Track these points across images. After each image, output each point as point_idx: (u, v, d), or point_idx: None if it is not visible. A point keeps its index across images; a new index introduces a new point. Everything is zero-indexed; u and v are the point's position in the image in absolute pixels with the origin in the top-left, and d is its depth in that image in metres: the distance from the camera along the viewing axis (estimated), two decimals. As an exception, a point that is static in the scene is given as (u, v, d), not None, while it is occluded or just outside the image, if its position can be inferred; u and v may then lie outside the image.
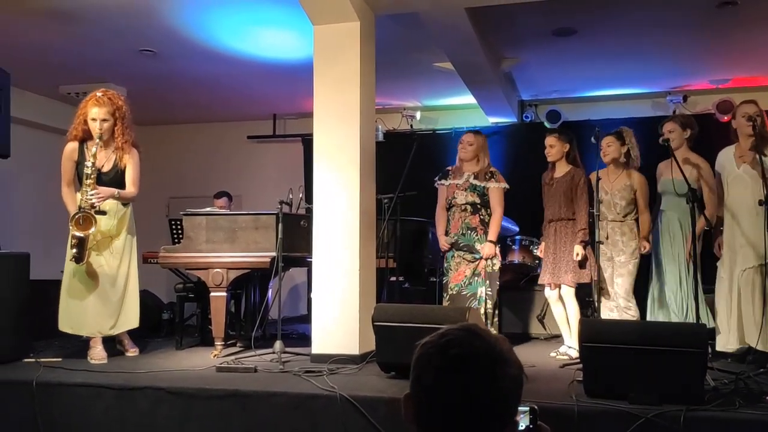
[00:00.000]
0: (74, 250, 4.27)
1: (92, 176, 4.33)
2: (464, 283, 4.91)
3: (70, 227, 4.26)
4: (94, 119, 4.38)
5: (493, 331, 4.79)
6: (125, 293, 4.56)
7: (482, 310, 4.80)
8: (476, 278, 4.89)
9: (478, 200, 4.95)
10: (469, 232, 4.93)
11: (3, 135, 4.82)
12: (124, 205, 4.60)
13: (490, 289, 4.90)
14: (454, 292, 4.93)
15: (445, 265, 5.04)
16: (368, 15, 4.86)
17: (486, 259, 4.88)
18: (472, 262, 4.91)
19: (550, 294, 4.93)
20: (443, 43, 5.73)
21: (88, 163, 4.33)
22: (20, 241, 6.41)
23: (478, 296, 4.87)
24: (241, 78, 7.07)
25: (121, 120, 4.49)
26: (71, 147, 4.49)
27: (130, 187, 4.56)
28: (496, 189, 4.97)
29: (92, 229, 4.24)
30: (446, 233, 5.03)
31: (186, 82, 7.23)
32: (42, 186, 7.42)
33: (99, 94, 4.45)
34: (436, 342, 1.24)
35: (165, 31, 5.77)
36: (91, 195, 4.28)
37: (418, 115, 8.29)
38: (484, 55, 5.93)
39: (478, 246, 4.89)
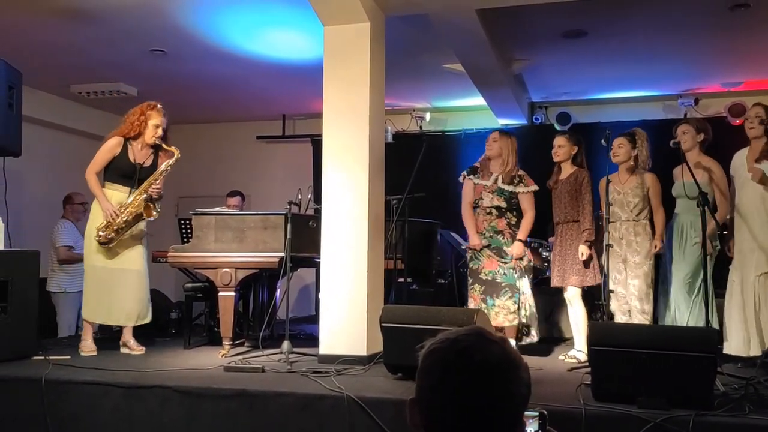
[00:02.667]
0: (107, 233, 4.61)
1: (161, 176, 4.81)
2: (499, 272, 4.77)
3: (141, 209, 4.65)
4: (157, 126, 4.80)
5: (535, 334, 4.76)
6: (146, 287, 4.85)
7: (523, 311, 4.73)
8: (512, 271, 4.76)
9: (504, 204, 4.85)
10: (497, 235, 4.82)
11: (14, 134, 4.85)
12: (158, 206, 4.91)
13: (531, 284, 4.81)
14: (489, 278, 4.77)
15: (472, 260, 4.88)
16: (378, 16, 4.86)
17: (516, 260, 4.77)
18: (503, 264, 4.79)
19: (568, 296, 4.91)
20: (453, 44, 5.72)
21: (170, 163, 4.83)
22: (30, 239, 6.44)
23: (516, 287, 4.72)
24: (251, 78, 7.09)
25: (169, 132, 4.96)
26: (117, 141, 4.78)
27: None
28: (526, 195, 4.87)
29: (155, 214, 4.75)
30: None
31: (196, 82, 7.26)
32: (53, 185, 7.45)
33: (159, 106, 4.89)
34: (450, 348, 1.22)
35: (175, 31, 5.79)
36: (155, 188, 4.76)
37: (427, 116, 8.29)
38: (495, 57, 5.91)
39: (506, 248, 4.80)
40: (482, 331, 1.25)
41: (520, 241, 4.80)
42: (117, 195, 4.73)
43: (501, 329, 4.70)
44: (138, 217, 4.69)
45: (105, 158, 4.75)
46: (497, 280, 4.77)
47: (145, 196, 4.71)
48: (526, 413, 1.28)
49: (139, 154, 4.80)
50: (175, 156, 4.82)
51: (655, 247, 4.68)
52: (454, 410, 1.18)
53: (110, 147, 4.76)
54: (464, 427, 1.18)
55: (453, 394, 1.18)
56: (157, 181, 4.77)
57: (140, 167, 4.78)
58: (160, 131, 4.79)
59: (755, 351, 4.29)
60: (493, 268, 4.79)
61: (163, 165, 4.83)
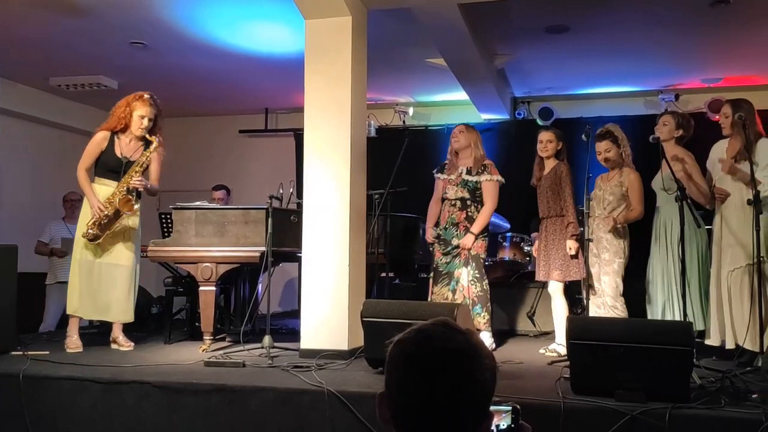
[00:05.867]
0: (94, 230, 4.57)
1: (140, 167, 4.68)
2: (440, 261, 4.96)
3: (117, 204, 4.58)
4: (142, 116, 4.70)
5: (486, 317, 4.78)
6: (131, 285, 4.79)
7: (467, 293, 4.81)
8: (454, 260, 4.89)
9: (468, 196, 4.94)
10: (452, 227, 4.94)
11: (-9, 126, 4.79)
12: (138, 201, 4.82)
13: (477, 272, 4.87)
14: (435, 265, 5.02)
15: (431, 250, 5.14)
16: (360, 9, 4.84)
17: (463, 249, 4.86)
18: (445, 254, 4.94)
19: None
20: (436, 38, 5.71)
21: (147, 153, 4.70)
22: (9, 233, 6.38)
23: (455, 277, 4.87)
24: (233, 72, 7.05)
25: (161, 121, 4.90)
26: (103, 135, 4.73)
27: (155, 183, 4.86)
28: (488, 182, 4.96)
29: (136, 208, 4.66)
30: (437, 226, 5.08)
31: (177, 76, 7.20)
32: (30, 177, 7.38)
33: (146, 96, 4.78)
34: (414, 339, 1.23)
35: (156, 23, 5.74)
36: (137, 181, 4.62)
37: (410, 110, 8.29)
38: (477, 52, 5.92)
39: (454, 242, 4.91)
40: (448, 322, 1.26)
41: (472, 233, 4.87)
42: (106, 190, 4.67)
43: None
44: (118, 212, 4.61)
45: (93, 153, 4.70)
46: (439, 269, 4.95)
47: (123, 189, 4.62)
48: (498, 408, 1.28)
49: (126, 147, 4.73)
50: (153, 145, 4.71)
51: (612, 221, 4.60)
52: (420, 400, 1.19)
53: (97, 141, 4.71)
54: (430, 418, 1.18)
55: (417, 382, 1.19)
56: (135, 173, 4.64)
57: (126, 161, 4.69)
58: (145, 122, 4.69)
59: (729, 344, 4.35)
60: (438, 257, 4.99)
61: (142, 156, 4.71)
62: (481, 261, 4.96)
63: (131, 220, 4.75)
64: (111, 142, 4.71)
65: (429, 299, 4.99)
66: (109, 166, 4.70)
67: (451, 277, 4.89)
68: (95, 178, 4.74)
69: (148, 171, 4.77)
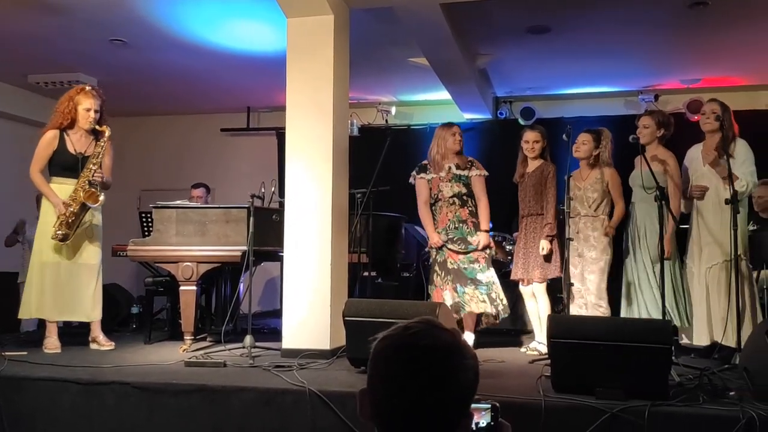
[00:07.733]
0: (62, 230, 4.50)
1: (98, 159, 4.63)
2: (461, 266, 4.84)
3: (82, 198, 4.54)
4: (88, 109, 4.65)
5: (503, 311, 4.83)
6: (98, 283, 4.72)
7: (492, 295, 4.81)
8: (473, 265, 4.84)
9: (464, 190, 4.92)
10: (461, 225, 4.88)
11: (-33, 124, 4.73)
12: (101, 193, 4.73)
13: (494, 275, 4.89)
14: (455, 267, 4.84)
15: (437, 258, 4.91)
16: (343, 8, 4.84)
17: (482, 249, 4.86)
18: (465, 253, 4.86)
19: (524, 290, 4.96)
20: (418, 38, 5.72)
21: (102, 143, 4.65)
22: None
23: (479, 281, 4.80)
24: (215, 70, 7.00)
25: (105, 113, 4.79)
26: (53, 134, 4.65)
27: (108, 175, 4.80)
28: (478, 178, 4.97)
29: (101, 199, 4.60)
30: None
31: (158, 73, 7.14)
32: (7, 176, 7.28)
33: (88, 88, 4.75)
34: (399, 336, 1.24)
35: (137, 20, 5.69)
36: (98, 174, 4.61)
37: (393, 110, 8.29)
38: (459, 52, 5.94)
39: (470, 239, 4.86)
40: (432, 321, 1.27)
41: (485, 231, 4.88)
42: (64, 188, 4.60)
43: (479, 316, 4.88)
44: (84, 206, 4.56)
45: (44, 154, 4.62)
46: (464, 273, 4.84)
47: (85, 183, 4.57)
48: (477, 405, 1.29)
49: (78, 143, 4.66)
50: (106, 134, 4.64)
51: (607, 231, 4.74)
52: (403, 398, 1.19)
53: (47, 141, 4.63)
54: (413, 415, 1.19)
55: (401, 379, 1.19)
56: (93, 165, 4.59)
57: (82, 156, 4.64)
58: (92, 114, 4.63)
59: (705, 341, 4.41)
60: (457, 260, 4.87)
61: (97, 147, 4.65)
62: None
63: (95, 217, 4.71)
64: (62, 140, 4.64)
65: (451, 302, 4.77)
66: (65, 164, 4.63)
67: (477, 283, 4.81)
68: (51, 177, 4.66)
69: (102, 164, 4.69)
